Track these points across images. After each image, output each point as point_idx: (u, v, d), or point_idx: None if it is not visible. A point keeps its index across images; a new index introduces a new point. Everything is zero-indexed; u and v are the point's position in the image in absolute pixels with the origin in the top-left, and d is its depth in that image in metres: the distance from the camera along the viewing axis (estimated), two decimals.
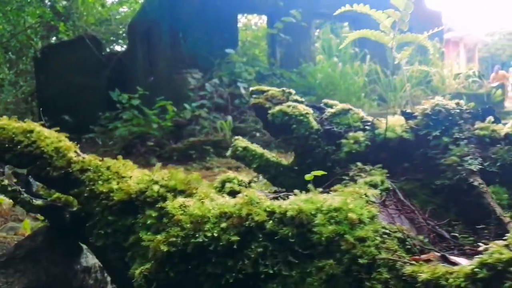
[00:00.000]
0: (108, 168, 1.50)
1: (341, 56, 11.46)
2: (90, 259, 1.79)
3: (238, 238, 1.06)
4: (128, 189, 1.41)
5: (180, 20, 10.91)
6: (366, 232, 0.97)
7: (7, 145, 1.61)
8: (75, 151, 1.57)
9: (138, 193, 1.41)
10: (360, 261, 0.93)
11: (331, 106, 1.85)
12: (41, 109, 11.87)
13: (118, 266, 1.46)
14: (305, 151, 1.70)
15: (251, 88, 1.94)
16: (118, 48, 15.62)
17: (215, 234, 1.07)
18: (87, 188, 1.46)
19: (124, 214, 1.40)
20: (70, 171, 1.50)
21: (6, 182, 1.69)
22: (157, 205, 1.36)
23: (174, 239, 1.08)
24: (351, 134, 1.58)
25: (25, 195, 1.65)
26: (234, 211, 1.12)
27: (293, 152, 1.78)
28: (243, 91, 10.14)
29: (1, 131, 1.65)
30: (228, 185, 1.33)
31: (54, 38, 14.51)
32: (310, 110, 1.75)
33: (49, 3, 12.87)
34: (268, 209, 1.13)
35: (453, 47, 14.05)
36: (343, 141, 1.57)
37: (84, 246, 1.78)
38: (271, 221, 1.09)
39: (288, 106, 1.76)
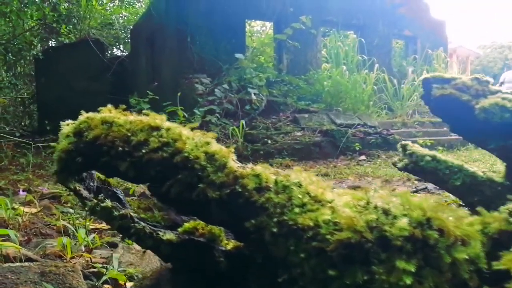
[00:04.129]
0: (299, 186, 0.91)
1: (348, 64, 11.02)
2: None
3: None
4: (352, 223, 0.82)
5: (187, 24, 10.31)
6: None
7: (120, 149, 1.01)
8: (233, 160, 0.98)
9: (366, 229, 0.82)
10: None
11: None
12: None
13: None
14: None
15: (425, 76, 1.38)
16: (117, 52, 14.89)
17: None
18: (274, 219, 0.86)
19: (348, 265, 0.81)
20: (239, 190, 0.90)
21: (109, 203, 1.09)
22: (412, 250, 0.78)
23: None
24: None
25: (142, 223, 1.05)
26: None
27: (509, 164, 1.22)
28: (254, 97, 9.59)
29: (107, 127, 1.05)
30: None
31: (52, 41, 13.72)
32: None
33: (47, 5, 12.14)
34: None
35: None
36: None
37: None
38: None
39: (505, 99, 1.20)
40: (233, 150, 0.99)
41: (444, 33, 12.03)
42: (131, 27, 13.50)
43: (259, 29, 14.60)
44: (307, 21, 10.12)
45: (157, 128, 1.03)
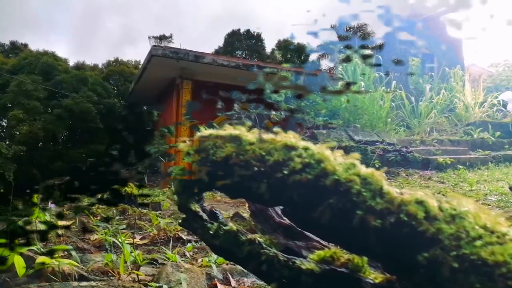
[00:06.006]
0: (468, 215, 0.82)
1: (365, 80, 10.96)
2: None
3: None
4: None
5: None
6: None
7: (256, 169, 0.92)
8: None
9: None
10: None
11: None
12: None
13: None
14: None
15: None
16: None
17: None
18: (452, 253, 0.77)
19: None
20: (404, 218, 0.81)
21: (233, 226, 0.99)
22: None
23: None
24: None
25: (273, 249, 0.96)
26: None
27: None
28: (273, 112, 9.51)
29: (236, 145, 0.96)
30: None
31: None
32: None
33: None
34: None
35: None
36: None
37: None
38: None
39: None
40: (383, 173, 0.90)
41: (460, 51, 11.98)
42: None
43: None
44: None
45: (294, 148, 0.94)
